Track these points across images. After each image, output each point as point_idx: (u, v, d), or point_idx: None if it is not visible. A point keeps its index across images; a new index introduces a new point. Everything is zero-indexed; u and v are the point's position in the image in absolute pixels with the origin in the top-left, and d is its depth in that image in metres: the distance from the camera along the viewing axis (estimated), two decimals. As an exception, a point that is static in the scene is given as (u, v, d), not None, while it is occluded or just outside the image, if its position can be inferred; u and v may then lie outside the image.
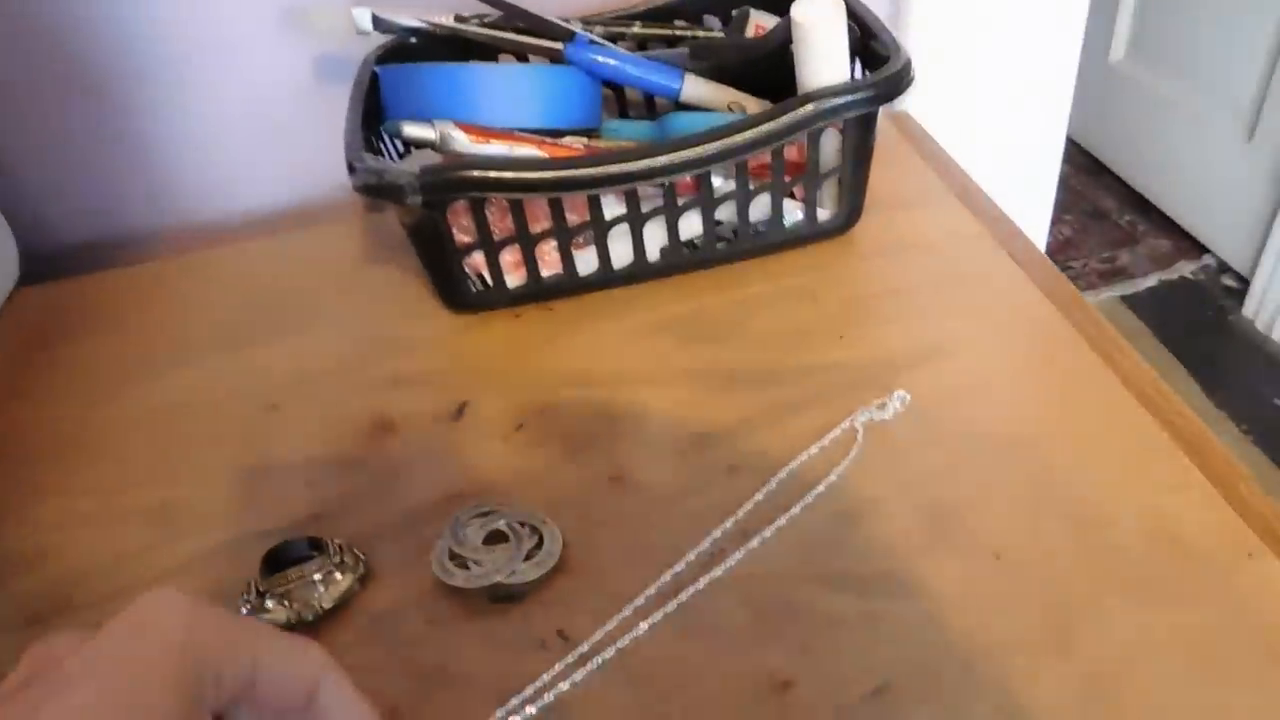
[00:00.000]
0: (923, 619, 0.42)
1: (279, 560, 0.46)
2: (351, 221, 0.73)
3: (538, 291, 0.60)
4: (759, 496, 0.47)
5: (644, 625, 0.42)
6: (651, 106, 0.70)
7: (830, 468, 0.48)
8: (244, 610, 0.44)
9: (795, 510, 0.46)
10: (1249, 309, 1.83)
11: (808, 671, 0.40)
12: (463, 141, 0.55)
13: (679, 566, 0.44)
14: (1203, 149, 1.89)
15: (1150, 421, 0.49)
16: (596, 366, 0.56)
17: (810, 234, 0.62)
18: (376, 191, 0.52)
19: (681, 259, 0.60)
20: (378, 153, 0.60)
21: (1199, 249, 1.98)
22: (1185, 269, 1.97)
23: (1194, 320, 1.85)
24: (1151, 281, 1.94)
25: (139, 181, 0.76)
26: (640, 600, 0.43)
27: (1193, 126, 1.91)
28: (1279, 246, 1.73)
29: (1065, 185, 2.17)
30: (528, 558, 0.45)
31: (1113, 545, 0.43)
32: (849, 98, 0.54)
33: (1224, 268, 1.93)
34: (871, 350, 0.55)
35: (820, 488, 0.47)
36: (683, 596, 0.43)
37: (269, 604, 0.44)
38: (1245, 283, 1.85)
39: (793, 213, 0.61)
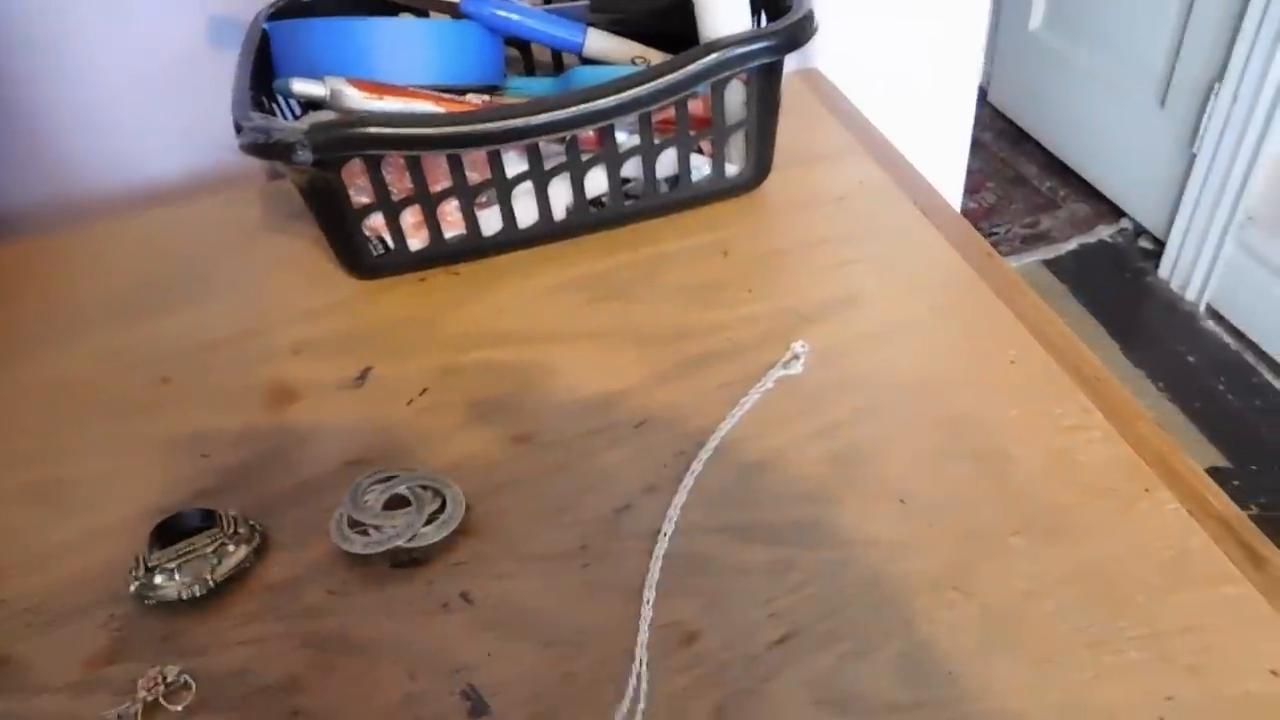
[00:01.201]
0: (830, 565, 0.41)
1: (170, 534, 0.44)
2: (250, 189, 0.70)
3: (442, 254, 0.58)
4: (667, 451, 0.46)
5: (550, 584, 0.41)
6: (560, 66, 0.69)
7: (739, 420, 0.48)
8: (132, 587, 0.42)
9: (703, 464, 0.45)
10: (1164, 270, 1.88)
11: (715, 622, 0.39)
12: (355, 98, 0.53)
13: (585, 524, 0.44)
14: (1118, 115, 1.94)
15: (1052, 364, 0.49)
16: (504, 328, 0.55)
17: (719, 190, 0.61)
18: (264, 151, 0.50)
19: (589, 217, 0.59)
20: (273, 115, 0.57)
21: (1117, 213, 2.03)
22: (1104, 233, 2.02)
23: (1113, 282, 1.89)
24: (1072, 245, 1.98)
25: (26, 152, 0.72)
26: (545, 559, 0.43)
27: (1108, 93, 1.95)
28: (1190, 210, 1.78)
29: (988, 153, 2.20)
30: (429, 521, 0.44)
31: (1016, 485, 0.44)
32: (751, 47, 0.53)
33: (1140, 230, 1.98)
34: (781, 303, 0.54)
35: (728, 440, 0.47)
36: (588, 554, 0.43)
37: (157, 579, 0.42)
38: (1160, 245, 1.90)
39: (700, 168, 0.60)
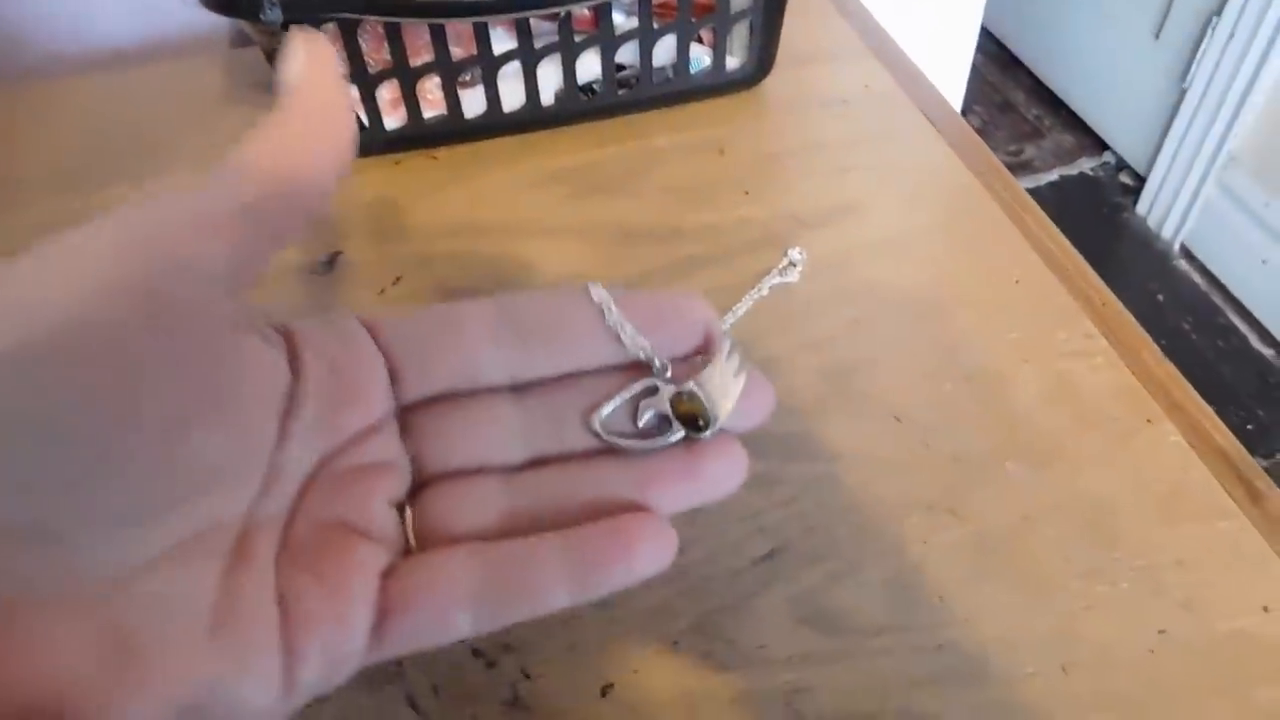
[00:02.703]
0: (818, 481, 0.40)
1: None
2: (214, 55, 0.65)
3: (420, 135, 0.54)
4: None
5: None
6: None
7: (729, 327, 0.45)
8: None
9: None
10: (1142, 206, 1.87)
11: (698, 536, 0.38)
12: (331, -46, 0.48)
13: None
14: (1111, 45, 1.90)
15: (1058, 286, 0.47)
16: (483, 217, 0.51)
17: (718, 84, 0.58)
18: (229, 7, 0.46)
19: (579, 105, 0.56)
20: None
21: (1100, 146, 2.01)
22: (1086, 165, 2.00)
23: (1090, 216, 1.88)
24: (1053, 176, 1.96)
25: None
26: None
27: (1102, 21, 1.91)
28: (1175, 146, 1.76)
29: (977, 76, 2.16)
30: (401, 416, 0.41)
31: (1014, 409, 0.42)
32: (764, -73, 0.49)
33: (1122, 165, 1.97)
34: (778, 207, 0.51)
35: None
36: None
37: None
38: (1141, 181, 1.89)
39: (700, 59, 0.56)
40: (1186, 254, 1.78)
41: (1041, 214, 0.51)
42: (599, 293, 0.23)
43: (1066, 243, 0.49)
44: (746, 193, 0.52)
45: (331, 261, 0.49)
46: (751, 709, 0.33)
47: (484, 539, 0.22)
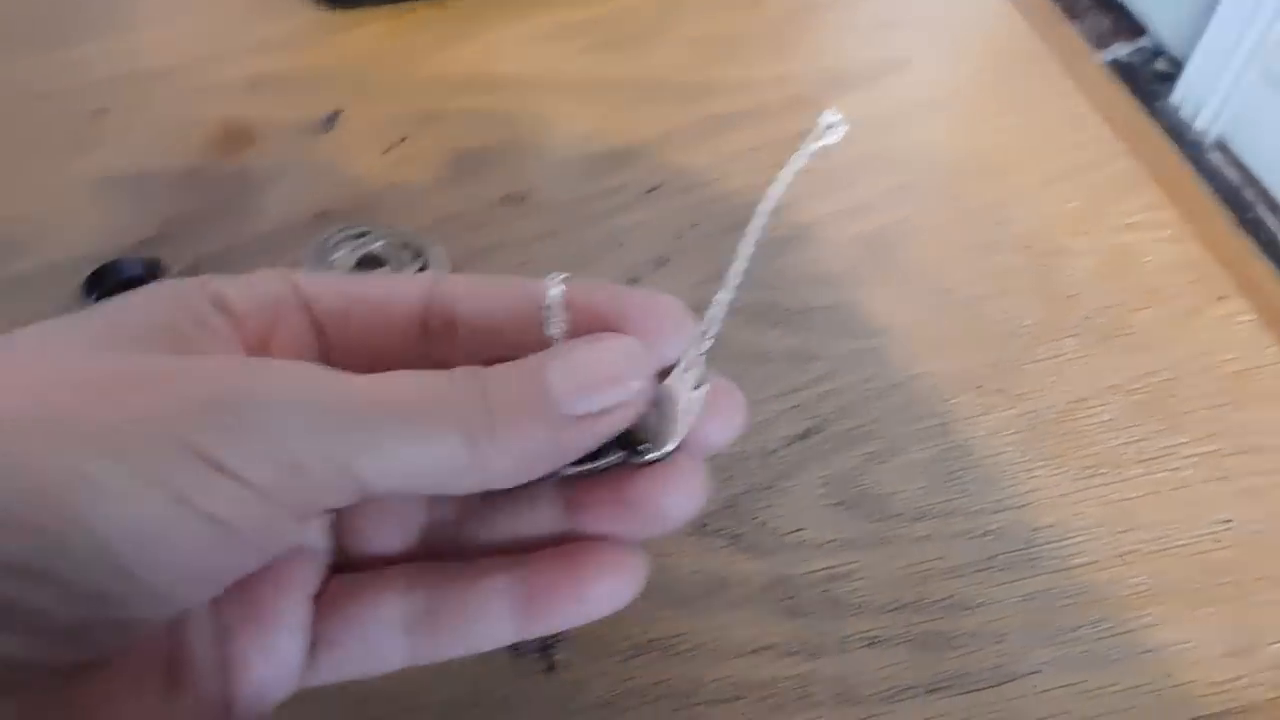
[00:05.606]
0: (858, 357, 0.37)
1: (108, 285, 0.39)
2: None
3: (425, -17, 0.50)
4: (681, 221, 0.41)
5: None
6: None
7: (764, 191, 0.42)
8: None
9: (720, 236, 0.40)
10: (1176, 96, 1.79)
11: (728, 411, 0.35)
12: None
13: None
14: (1158, -86, 1.78)
15: (1122, 150, 0.43)
16: (496, 72, 0.47)
17: (751, -71, 0.52)
18: None
19: (599, -49, 0.51)
20: None
21: (1138, 30, 1.91)
22: (1121, 50, 1.91)
23: (1124, 102, 1.81)
24: (1087, 59, 1.87)
25: None
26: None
27: (1151, -112, 1.79)
28: (1219, 30, 1.67)
29: (1011, -49, 2.04)
30: (408, 284, 0.38)
31: (1070, 282, 0.39)
32: None
33: (1159, 52, 1.87)
34: (815, 64, 0.47)
35: (749, 213, 0.41)
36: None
37: (93, 331, 0.37)
38: (1178, 68, 1.81)
39: (733, -102, 0.51)
40: (1220, 146, 1.71)
41: (1103, 72, 0.46)
42: (553, 297, 0.19)
43: (1134, 103, 0.45)
44: (781, 48, 0.48)
45: (331, 120, 0.45)
46: (785, 595, 0.31)
47: (413, 556, 0.20)
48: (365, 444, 0.16)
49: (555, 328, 0.19)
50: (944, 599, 0.31)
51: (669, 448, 0.19)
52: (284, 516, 0.16)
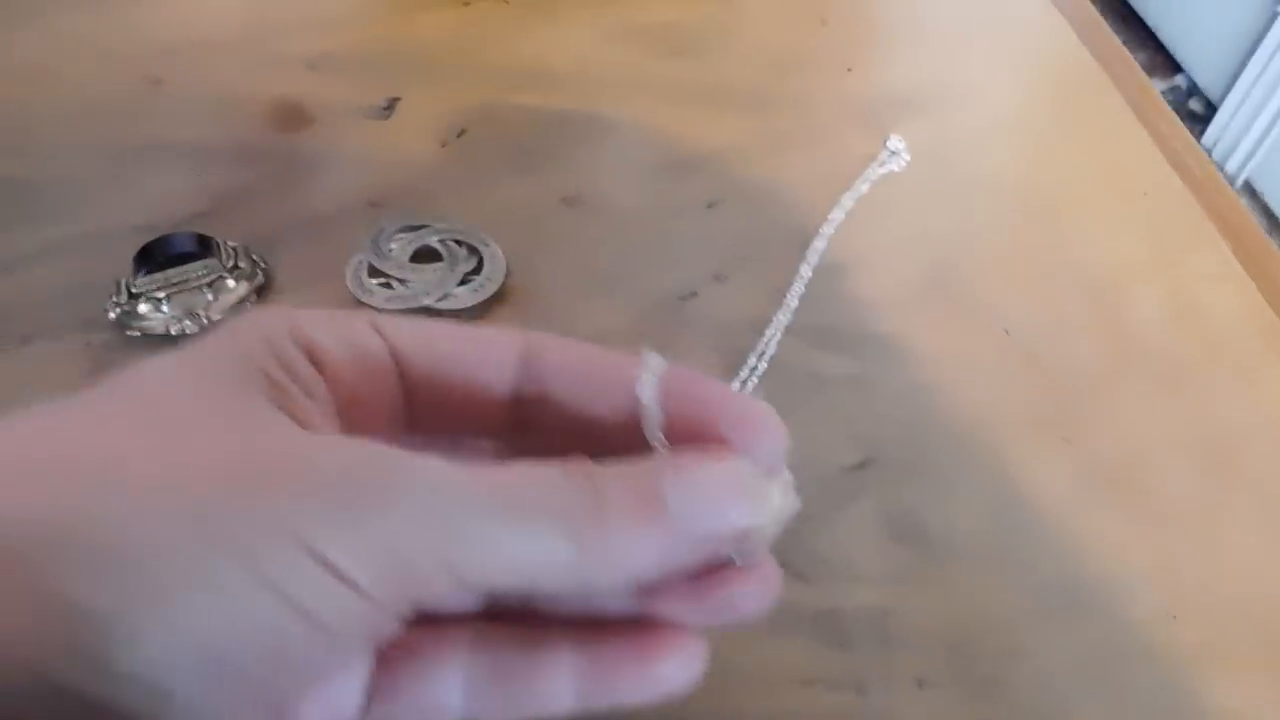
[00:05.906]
0: (915, 388, 0.36)
1: (157, 258, 0.38)
2: None
3: (491, -26, 0.49)
4: (741, 238, 0.40)
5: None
6: None
7: (824, 214, 0.41)
8: (112, 314, 0.36)
9: (779, 256, 0.39)
10: (1209, 137, 1.78)
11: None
12: None
13: (639, 301, 0.38)
14: (1200, -45, 1.77)
15: (1188, 196, 0.42)
16: (560, 69, 0.46)
17: (823, -56, 0.52)
18: None
19: (669, -46, 0.50)
20: None
21: (1173, 68, 1.90)
22: (1156, 87, 1.90)
23: (1154, 138, 1.80)
24: (1120, 93, 1.86)
25: None
26: (592, 341, 0.37)
27: (1195, -73, 1.78)
28: (1256, 73, 1.66)
29: (1051, -22, 2.03)
30: (463, 282, 0.38)
31: (1133, 326, 0.38)
32: None
33: (1194, 91, 1.86)
34: (882, 85, 0.46)
35: (810, 234, 0.40)
36: (641, 340, 0.37)
37: (142, 308, 0.36)
38: (1211, 110, 1.79)
39: (808, -88, 0.50)
40: (1249, 190, 1.71)
41: (1173, 116, 0.46)
42: (649, 396, 0.19)
43: (1202, 153, 0.44)
44: (850, 69, 0.47)
45: (390, 107, 0.45)
46: (838, 627, 0.31)
47: (478, 615, 0.19)
48: (474, 539, 0.15)
49: (655, 434, 0.18)
50: (994, 642, 0.31)
51: (756, 556, 0.19)
52: (382, 615, 0.16)
